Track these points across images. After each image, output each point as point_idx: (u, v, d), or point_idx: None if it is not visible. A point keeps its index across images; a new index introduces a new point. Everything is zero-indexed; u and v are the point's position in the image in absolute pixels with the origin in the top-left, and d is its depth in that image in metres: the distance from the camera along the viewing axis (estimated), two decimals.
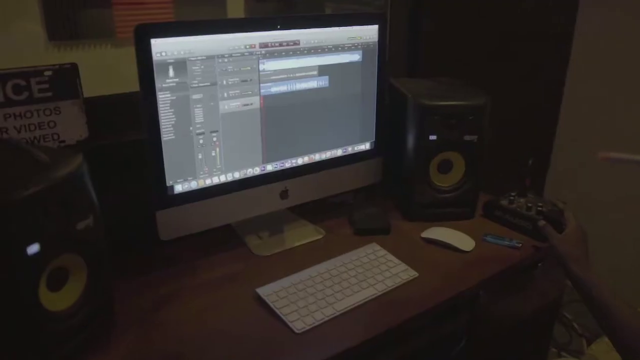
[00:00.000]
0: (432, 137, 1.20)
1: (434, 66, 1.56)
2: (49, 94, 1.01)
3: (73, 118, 1.04)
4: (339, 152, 1.20)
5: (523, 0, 1.76)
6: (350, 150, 1.22)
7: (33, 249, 0.71)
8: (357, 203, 1.34)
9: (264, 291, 0.97)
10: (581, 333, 1.95)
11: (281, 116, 1.08)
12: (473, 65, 1.62)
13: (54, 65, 1.01)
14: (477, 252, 1.16)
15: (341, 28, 1.11)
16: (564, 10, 1.89)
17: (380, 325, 0.93)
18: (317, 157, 1.17)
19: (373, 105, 1.22)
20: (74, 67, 1.03)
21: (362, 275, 1.04)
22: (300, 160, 1.15)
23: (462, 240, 1.18)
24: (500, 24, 1.71)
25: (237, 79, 1.01)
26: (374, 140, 1.25)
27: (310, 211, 1.27)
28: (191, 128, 0.98)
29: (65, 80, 1.02)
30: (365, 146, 1.24)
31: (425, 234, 1.20)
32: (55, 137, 1.03)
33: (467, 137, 1.21)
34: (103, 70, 2.41)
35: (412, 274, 1.06)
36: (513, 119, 1.79)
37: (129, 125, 1.13)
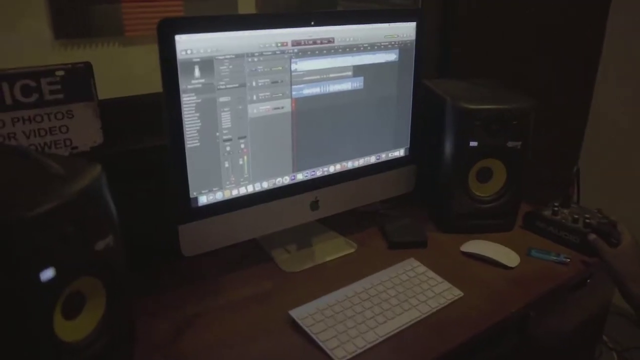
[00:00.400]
0: (473, 144, 1.11)
1: (463, 66, 1.47)
2: (61, 95, 0.92)
3: (87, 122, 0.95)
4: (372, 160, 1.11)
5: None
6: (384, 157, 1.13)
7: (47, 274, 0.62)
8: (388, 213, 1.24)
9: (298, 314, 0.88)
10: (612, 347, 1.86)
11: (313, 121, 0.99)
12: (504, 66, 1.53)
13: (66, 64, 0.92)
14: (522, 268, 1.07)
15: (378, 25, 1.02)
16: (593, 14, 1.80)
17: (427, 353, 0.84)
18: (350, 164, 1.08)
19: (408, 109, 1.13)
20: (87, 67, 0.94)
21: (403, 295, 0.95)
22: (332, 169, 1.06)
23: (506, 255, 1.09)
24: (531, 23, 1.62)
25: (268, 80, 0.92)
26: (408, 146, 1.16)
27: (338, 221, 1.17)
28: (217, 134, 0.89)
29: (78, 81, 0.93)
30: (400, 153, 1.15)
31: (465, 248, 1.11)
32: (68, 143, 0.94)
33: (510, 144, 1.12)
34: (112, 70, 2.32)
35: (457, 293, 0.97)
36: (542, 122, 1.70)
37: (147, 129, 1.04)
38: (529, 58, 1.65)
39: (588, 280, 1.11)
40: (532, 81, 1.57)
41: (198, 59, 0.84)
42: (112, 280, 0.73)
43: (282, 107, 0.95)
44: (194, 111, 0.86)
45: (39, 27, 2.04)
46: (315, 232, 1.15)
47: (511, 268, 1.06)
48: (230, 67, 0.87)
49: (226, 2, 2.50)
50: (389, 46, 1.05)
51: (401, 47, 1.07)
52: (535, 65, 1.69)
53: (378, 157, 1.12)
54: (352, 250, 1.10)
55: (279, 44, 0.91)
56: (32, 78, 0.89)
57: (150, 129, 1.03)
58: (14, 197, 0.63)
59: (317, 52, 0.96)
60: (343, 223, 1.18)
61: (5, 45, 2.03)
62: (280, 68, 0.93)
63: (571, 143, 1.99)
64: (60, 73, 0.91)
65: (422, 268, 1.03)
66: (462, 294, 0.97)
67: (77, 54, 2.18)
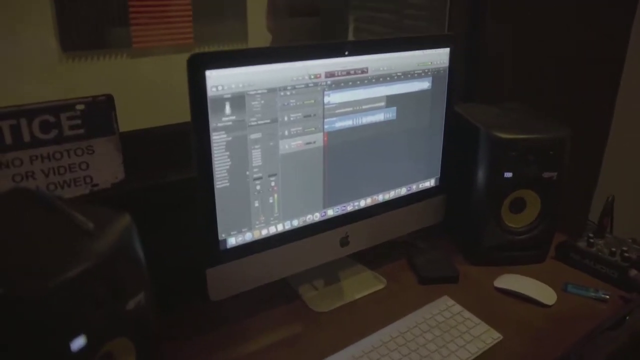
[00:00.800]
0: (508, 175, 1.06)
1: (488, 89, 1.42)
2: (81, 131, 0.87)
3: (108, 158, 0.90)
4: (403, 191, 1.07)
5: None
6: (414, 188, 1.08)
7: (78, 343, 0.57)
8: (415, 242, 1.20)
9: None
10: None
11: (345, 154, 0.95)
12: (528, 87, 1.48)
13: (86, 97, 0.87)
14: (560, 306, 1.02)
15: (412, 53, 0.97)
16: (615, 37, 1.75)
17: None
18: (381, 197, 1.03)
19: (440, 137, 1.08)
20: (109, 99, 0.89)
21: (441, 340, 0.90)
22: (363, 202, 1.01)
23: (542, 292, 1.04)
24: (557, 48, 1.57)
25: (300, 114, 0.87)
26: (438, 176, 1.11)
27: (365, 253, 1.12)
28: (248, 172, 0.84)
29: (99, 114, 0.88)
30: (430, 183, 1.11)
31: (499, 284, 1.06)
32: (88, 180, 0.89)
33: (546, 174, 1.07)
34: (120, 82, 2.27)
35: (496, 336, 0.93)
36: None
37: (170, 162, 0.99)
38: (551, 79, 1.60)
39: (627, 318, 1.07)
40: (555, 104, 1.52)
41: (229, 95, 0.79)
42: (144, 339, 0.68)
43: (314, 142, 0.90)
44: (223, 150, 0.81)
45: (46, 40, 1.99)
46: (342, 266, 1.10)
47: (548, 306, 1.02)
48: (262, 102, 0.82)
49: (236, 22, 2.46)
50: (422, 74, 1.00)
51: (434, 74, 1.02)
52: (558, 87, 1.63)
53: (409, 189, 1.07)
54: (382, 286, 1.06)
55: (312, 76, 0.86)
56: (51, 113, 0.84)
57: (173, 162, 0.98)
58: (41, 259, 0.58)
59: (350, 83, 0.91)
60: (370, 254, 1.13)
61: (13, 59, 1.97)
62: (313, 101, 0.88)
63: (591, 167, 1.93)
64: (81, 107, 0.86)
65: (457, 307, 0.99)
66: (501, 336, 0.93)
67: (85, 67, 2.14)
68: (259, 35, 2.45)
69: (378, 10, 2.18)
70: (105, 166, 0.90)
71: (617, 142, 1.85)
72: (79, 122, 0.86)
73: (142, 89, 2.30)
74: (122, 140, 0.91)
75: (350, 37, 1.92)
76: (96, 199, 0.90)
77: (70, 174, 0.87)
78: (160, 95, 2.25)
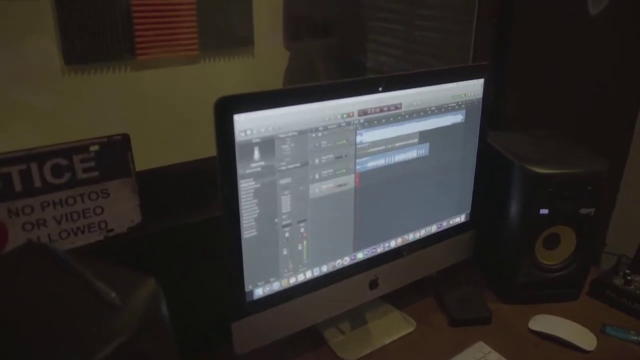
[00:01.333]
0: (544, 211, 1.01)
1: (514, 115, 1.36)
2: (96, 173, 0.81)
3: (124, 201, 0.84)
4: (433, 229, 1.01)
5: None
6: (445, 225, 1.02)
7: None
8: (443, 278, 1.14)
9: None
10: None
11: (376, 195, 0.89)
12: (554, 112, 1.43)
13: (101, 137, 0.81)
14: (600, 351, 0.97)
15: (446, 85, 0.92)
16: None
17: None
18: (411, 237, 0.98)
19: (472, 171, 1.03)
20: (125, 139, 0.82)
21: None
22: (393, 243, 0.95)
23: (581, 336, 0.99)
24: (583, 71, 1.51)
25: (331, 156, 0.81)
26: (469, 211, 1.06)
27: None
28: (276, 220, 0.78)
29: (114, 155, 0.82)
30: (461, 218, 1.05)
31: (534, 326, 1.01)
32: (103, 225, 0.83)
33: (583, 211, 1.02)
34: (124, 95, 2.20)
35: None
36: None
37: (188, 201, 0.93)
38: (576, 105, 1.55)
39: None
40: (579, 129, 1.47)
41: (258, 140, 0.73)
42: None
43: (345, 184, 0.84)
44: (252, 198, 0.75)
45: (49, 53, 1.92)
46: (369, 307, 1.04)
47: (588, 352, 0.96)
48: (292, 145, 0.76)
49: (240, 28, 2.39)
50: (456, 107, 0.95)
51: (468, 106, 0.96)
52: (581, 112, 1.58)
53: (439, 226, 1.02)
54: (412, 328, 1.00)
55: (345, 115, 0.80)
56: (64, 156, 0.78)
57: (192, 201, 0.92)
58: (62, 340, 0.52)
59: (383, 120, 0.85)
60: (396, 292, 1.07)
61: (12, 73, 1.89)
62: (345, 141, 0.82)
63: (610, 194, 1.88)
64: (95, 148, 0.80)
65: (494, 355, 0.93)
66: None
67: (88, 80, 2.06)
68: (265, 45, 2.39)
69: (387, 20, 2.11)
70: (121, 210, 0.84)
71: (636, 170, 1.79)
72: (93, 164, 0.80)
73: (147, 102, 2.23)
74: (140, 179, 0.85)
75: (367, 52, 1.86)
76: (111, 245, 0.84)
77: (84, 220, 0.81)
78: (166, 109, 2.18)
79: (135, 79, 2.28)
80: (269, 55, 2.38)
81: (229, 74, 2.30)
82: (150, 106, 2.16)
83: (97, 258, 0.70)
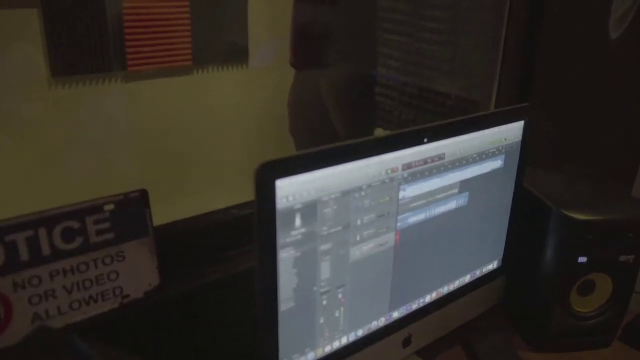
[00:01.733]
0: (582, 260, 0.95)
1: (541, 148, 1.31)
2: (110, 235, 0.72)
3: (141, 263, 0.75)
4: (467, 279, 0.95)
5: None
6: (477, 273, 0.96)
7: None
8: (470, 325, 1.08)
9: None
10: None
11: (414, 250, 0.82)
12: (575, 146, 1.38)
13: (117, 195, 0.72)
14: None
15: (487, 131, 0.85)
16: None
17: None
18: (445, 289, 0.91)
19: (506, 216, 0.97)
20: (143, 195, 0.74)
21: None
22: (428, 298, 0.89)
23: None
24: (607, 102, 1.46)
25: (374, 215, 0.74)
26: (501, 257, 1.00)
27: None
28: (315, 288, 0.71)
29: (131, 214, 0.73)
30: (493, 265, 0.99)
31: None
32: (117, 291, 0.74)
33: (622, 258, 0.97)
34: (115, 108, 2.09)
35: None
36: None
37: (208, 258, 0.85)
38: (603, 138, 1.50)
39: None
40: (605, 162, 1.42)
41: (300, 205, 0.65)
42: None
43: (385, 243, 0.77)
44: (291, 267, 0.67)
45: (34, 64, 1.79)
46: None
47: None
48: (335, 207, 0.69)
49: (235, 37, 2.29)
50: (496, 152, 0.88)
51: (507, 150, 0.90)
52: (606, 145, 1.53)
53: (472, 275, 0.96)
54: None
55: (389, 171, 0.73)
56: (76, 218, 0.69)
57: (211, 256, 0.84)
58: None
59: (426, 172, 0.78)
60: None
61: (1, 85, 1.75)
62: (388, 198, 0.75)
63: None
64: (110, 207, 0.71)
65: None
66: None
67: (76, 93, 1.94)
68: (260, 55, 2.29)
69: (389, 31, 2.05)
70: (137, 273, 0.75)
71: None
72: (107, 225, 0.71)
73: (138, 115, 2.12)
74: (157, 237, 0.77)
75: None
76: (126, 311, 0.75)
77: (97, 287, 0.72)
78: (158, 123, 2.07)
79: (126, 91, 2.16)
80: (264, 66, 2.30)
81: (223, 85, 2.21)
82: (142, 119, 2.05)
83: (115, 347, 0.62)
